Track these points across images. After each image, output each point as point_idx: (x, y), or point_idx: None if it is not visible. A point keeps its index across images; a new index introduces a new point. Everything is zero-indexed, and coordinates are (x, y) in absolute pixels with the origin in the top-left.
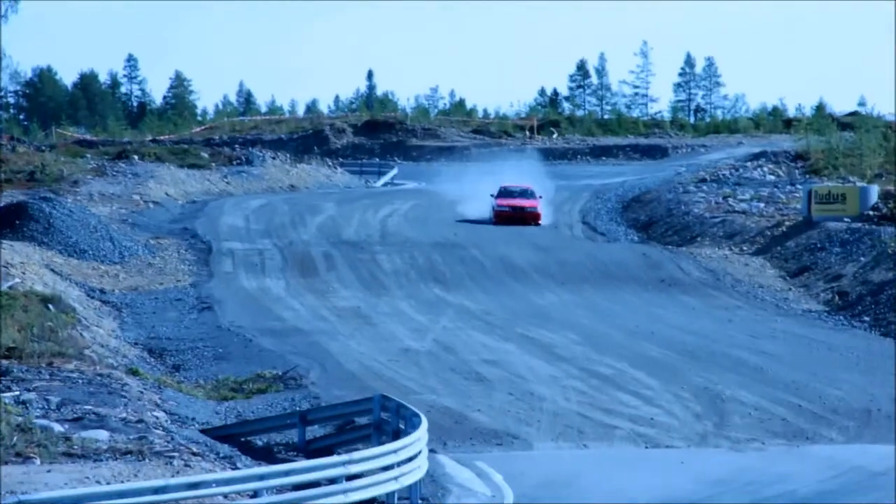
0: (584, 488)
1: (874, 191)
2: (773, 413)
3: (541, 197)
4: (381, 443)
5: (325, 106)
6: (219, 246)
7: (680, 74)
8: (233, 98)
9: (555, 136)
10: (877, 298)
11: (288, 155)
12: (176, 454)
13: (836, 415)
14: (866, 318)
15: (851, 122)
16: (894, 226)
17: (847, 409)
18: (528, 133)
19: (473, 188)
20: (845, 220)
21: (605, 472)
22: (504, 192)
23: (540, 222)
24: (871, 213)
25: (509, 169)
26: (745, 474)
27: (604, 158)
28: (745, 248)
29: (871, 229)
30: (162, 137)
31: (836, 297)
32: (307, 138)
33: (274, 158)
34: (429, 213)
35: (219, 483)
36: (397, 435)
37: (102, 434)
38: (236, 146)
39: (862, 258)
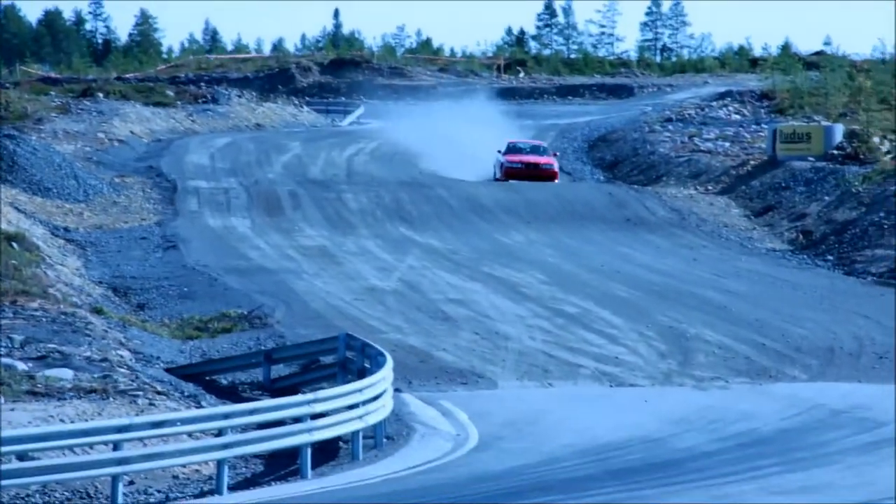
0: (549, 426)
1: (839, 130)
2: (737, 351)
3: (556, 154)
4: (347, 382)
5: (291, 44)
6: (184, 184)
7: (646, 14)
8: (198, 36)
9: (521, 75)
10: (840, 237)
11: (254, 93)
12: (140, 393)
13: (800, 353)
14: (830, 257)
15: (817, 62)
16: (858, 165)
17: (810, 348)
18: (495, 72)
19: (427, 137)
20: (810, 159)
21: (569, 410)
22: (513, 149)
23: (556, 180)
24: (835, 152)
25: (461, 110)
26: (708, 412)
27: (570, 98)
28: (710, 188)
29: (835, 168)
30: (127, 75)
31: (800, 237)
32: (273, 77)
33: (240, 97)
34: (395, 152)
35: (183, 422)
36: (362, 374)
37: (66, 373)
38: (202, 84)
39: (826, 197)
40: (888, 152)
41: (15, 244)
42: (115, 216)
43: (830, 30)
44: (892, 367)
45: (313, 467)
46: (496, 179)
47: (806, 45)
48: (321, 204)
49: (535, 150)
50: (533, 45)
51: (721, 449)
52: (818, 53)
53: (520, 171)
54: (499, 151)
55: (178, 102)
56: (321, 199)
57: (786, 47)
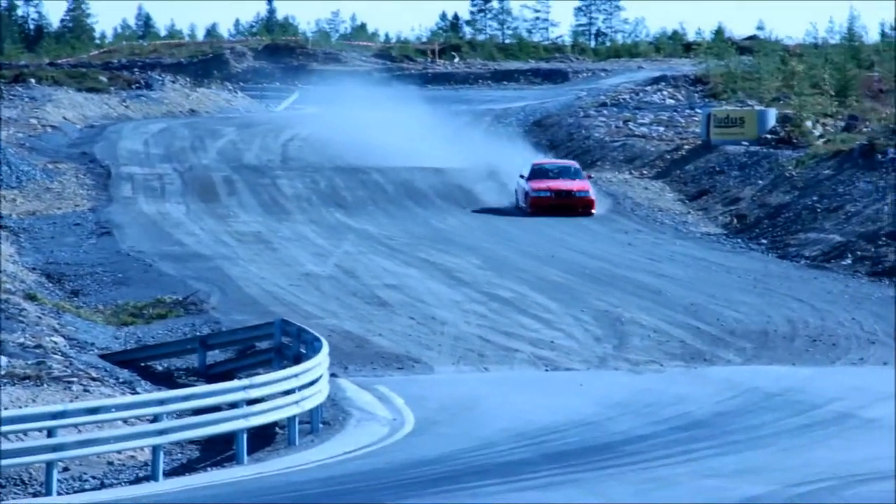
0: (485, 411)
1: (772, 114)
2: (672, 335)
3: (590, 176)
4: (282, 367)
5: (225, 30)
6: (118, 170)
7: None
8: (131, 22)
9: (456, 60)
10: (774, 221)
11: (188, 79)
12: (75, 379)
13: (734, 336)
14: (763, 241)
15: (750, 46)
16: (791, 149)
17: (744, 331)
18: (429, 57)
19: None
20: (743, 143)
21: (505, 394)
22: (538, 173)
23: (594, 211)
24: (768, 136)
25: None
26: (643, 396)
27: (505, 83)
28: (644, 172)
29: (768, 152)
30: (60, 61)
31: (735, 220)
32: (207, 62)
33: (173, 82)
34: (331, 137)
35: (118, 408)
36: (298, 359)
37: (2, 358)
38: (135, 70)
39: (760, 181)
40: (821, 136)
41: None
42: (49, 202)
43: (763, 15)
44: (825, 350)
45: (249, 453)
46: (519, 209)
47: (739, 29)
48: (256, 190)
49: (564, 172)
50: (468, 30)
51: (656, 432)
52: (751, 38)
53: (549, 200)
54: (521, 176)
55: (112, 88)
56: (256, 184)
57: (719, 32)
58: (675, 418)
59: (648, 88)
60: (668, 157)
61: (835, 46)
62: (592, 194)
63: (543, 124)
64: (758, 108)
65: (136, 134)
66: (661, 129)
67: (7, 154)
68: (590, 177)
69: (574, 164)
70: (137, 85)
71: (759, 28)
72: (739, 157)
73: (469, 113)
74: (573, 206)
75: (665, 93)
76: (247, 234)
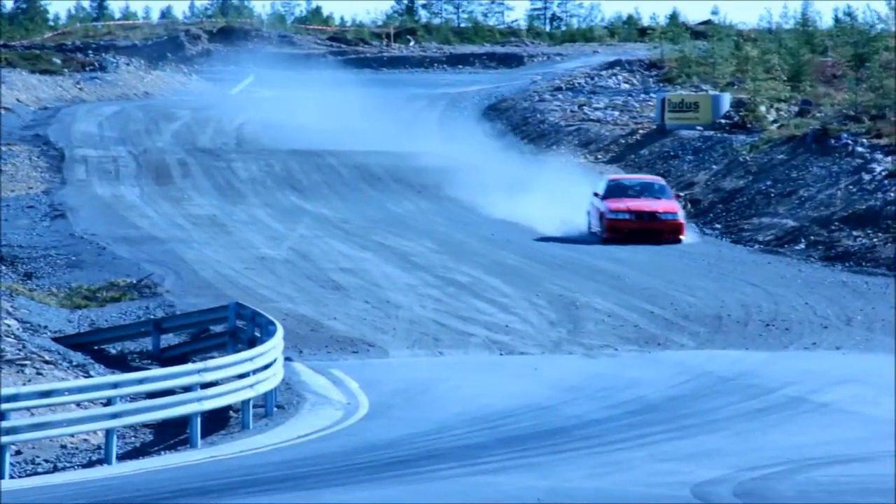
0: (440, 395)
1: (726, 99)
2: (626, 319)
3: (679, 196)
4: (237, 351)
5: (180, 12)
6: (72, 153)
7: None
8: (86, 3)
9: (411, 44)
10: (728, 206)
11: (142, 61)
12: (28, 362)
13: (688, 321)
14: (718, 226)
15: (704, 31)
16: (746, 134)
17: (698, 315)
18: (385, 41)
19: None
20: (698, 128)
21: (460, 378)
22: (616, 190)
23: (683, 237)
24: (723, 121)
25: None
26: (598, 380)
27: (460, 67)
28: (599, 157)
29: (723, 137)
30: (13, 43)
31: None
32: (162, 45)
33: (128, 65)
34: (286, 120)
35: (72, 391)
36: (253, 343)
37: None
38: (89, 52)
39: (714, 166)
40: (775, 121)
41: None
42: (2, 185)
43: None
44: (778, 334)
45: (203, 436)
46: (592, 233)
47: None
48: (211, 173)
49: (647, 189)
50: (423, 14)
51: (610, 416)
52: (706, 23)
53: (628, 224)
54: (595, 195)
55: (66, 70)
56: (211, 167)
57: (674, 17)
58: (629, 402)
59: (603, 73)
60: (623, 141)
61: (789, 31)
62: (682, 216)
63: (499, 108)
64: (712, 92)
65: (90, 116)
66: (616, 113)
67: None
68: (678, 196)
69: (658, 179)
70: (92, 67)
71: (714, 13)
72: (694, 142)
73: (425, 97)
74: (658, 230)
75: (620, 77)
76: (201, 218)
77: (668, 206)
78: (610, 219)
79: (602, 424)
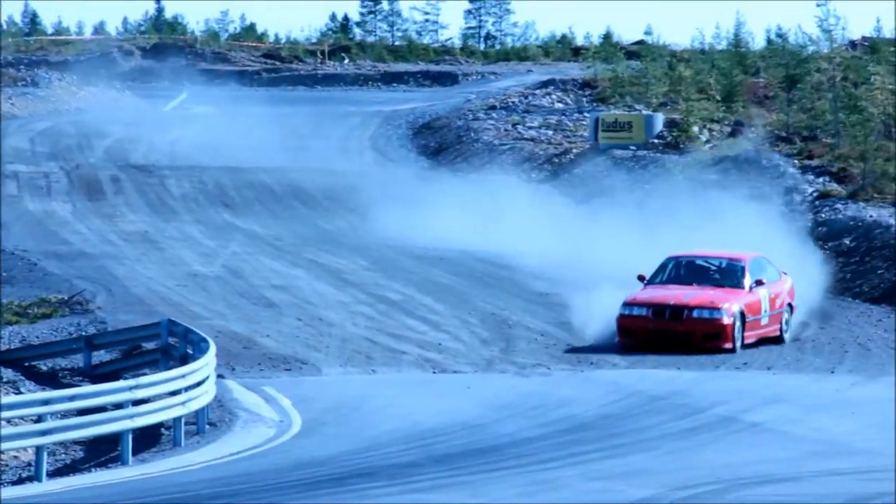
0: (372, 412)
1: (659, 119)
2: (558, 338)
3: (758, 284)
4: (169, 368)
5: (113, 28)
6: (3, 168)
7: (470, 1)
8: (17, 18)
9: (346, 61)
10: None
11: (75, 77)
12: None
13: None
14: None
15: (638, 51)
16: (678, 153)
17: None
18: (319, 58)
19: None
20: (631, 147)
21: (392, 396)
22: (672, 271)
23: (728, 345)
24: (656, 140)
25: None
26: (530, 399)
27: (394, 85)
28: (533, 176)
29: (656, 157)
30: None
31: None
32: (95, 60)
33: (60, 80)
34: (219, 137)
35: (1, 407)
36: (185, 360)
37: None
38: (21, 67)
39: (647, 185)
40: (707, 141)
41: None
42: None
43: (651, 20)
44: (712, 356)
45: (134, 453)
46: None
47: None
48: (143, 189)
49: (718, 272)
50: (357, 31)
51: (543, 434)
52: (639, 43)
53: (645, 324)
54: (640, 279)
55: None
56: (143, 184)
57: (608, 37)
58: (562, 421)
59: (538, 92)
60: (557, 160)
61: (721, 52)
62: (730, 315)
63: (432, 126)
64: (645, 112)
65: (21, 132)
66: (550, 132)
67: None
68: (757, 284)
69: (742, 257)
70: (23, 82)
71: (647, 33)
72: (627, 162)
73: (358, 114)
74: (685, 334)
75: (554, 96)
76: (133, 234)
77: (717, 299)
78: (621, 316)
79: (534, 443)
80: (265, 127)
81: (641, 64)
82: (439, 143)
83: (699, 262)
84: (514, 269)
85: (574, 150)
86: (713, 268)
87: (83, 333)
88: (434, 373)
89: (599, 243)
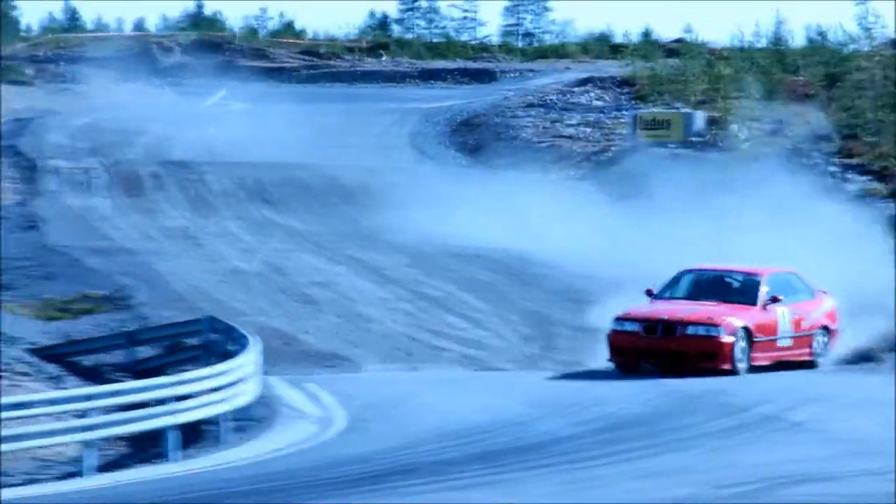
0: (413, 410)
1: (699, 116)
2: (598, 337)
3: (773, 301)
4: (211, 364)
5: (152, 25)
6: (44, 164)
7: None
8: (58, 15)
9: (384, 58)
10: None
11: (115, 73)
12: (2, 374)
13: None
14: None
15: (677, 49)
16: (717, 152)
17: None
18: (357, 55)
19: None
20: (670, 145)
21: (433, 393)
22: (683, 285)
23: (727, 365)
24: (695, 138)
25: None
26: (571, 397)
27: (432, 82)
28: (572, 174)
29: (695, 154)
30: None
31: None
32: (134, 57)
33: (100, 77)
34: (257, 133)
35: (46, 403)
36: (227, 356)
37: None
38: (61, 63)
39: (685, 183)
40: (746, 139)
41: None
42: None
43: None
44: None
45: (177, 450)
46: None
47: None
48: (183, 185)
49: (732, 287)
50: (396, 28)
51: (583, 433)
52: (678, 41)
53: (636, 341)
54: (648, 293)
55: (37, 81)
56: (183, 180)
57: (646, 34)
58: (602, 419)
59: (576, 89)
60: (595, 158)
61: (761, 51)
62: (730, 333)
63: (470, 124)
64: (684, 110)
65: (62, 128)
66: (589, 130)
67: None
68: (771, 301)
69: (763, 272)
70: (63, 79)
71: (687, 31)
72: (666, 159)
73: (396, 111)
74: (679, 354)
75: (592, 94)
76: (173, 230)
77: (717, 314)
78: (612, 332)
79: (574, 441)
80: (303, 123)
81: (680, 62)
82: (477, 141)
83: (713, 275)
84: (553, 266)
85: (613, 148)
86: (728, 282)
87: (125, 329)
88: (475, 370)
89: (638, 242)
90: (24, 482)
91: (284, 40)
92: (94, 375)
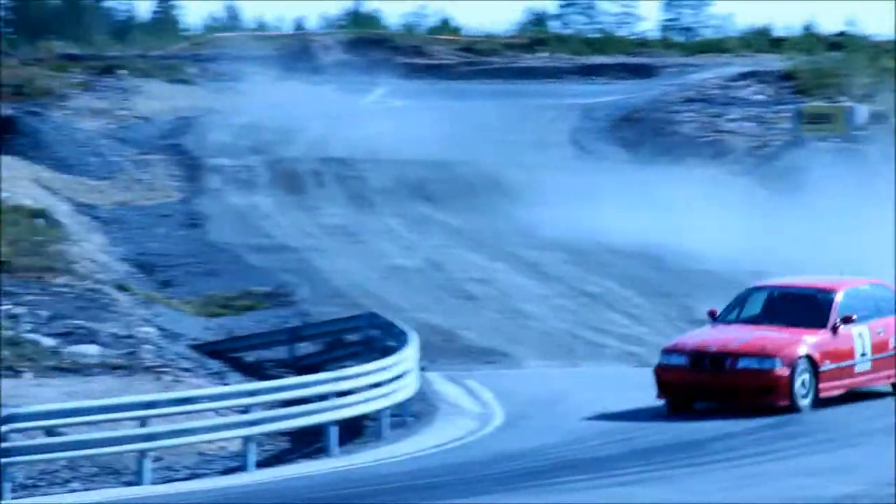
0: (574, 405)
1: (862, 110)
2: None
3: (846, 322)
4: (372, 360)
5: (312, 22)
6: (207, 162)
7: None
8: (219, 14)
9: (542, 54)
10: None
11: (275, 72)
12: (166, 369)
13: None
14: None
15: (839, 42)
16: (882, 145)
17: None
18: (516, 51)
19: None
20: (834, 139)
21: (594, 389)
22: (752, 306)
23: (788, 403)
24: (857, 132)
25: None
26: None
27: (592, 77)
28: (733, 169)
29: (859, 148)
30: (149, 52)
31: None
32: (294, 55)
33: (261, 75)
34: (418, 131)
35: (209, 398)
36: (387, 352)
37: (92, 349)
38: (223, 62)
39: (850, 178)
40: None
41: (40, 221)
42: (139, 193)
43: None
44: None
45: (338, 445)
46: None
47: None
48: (343, 182)
49: (803, 311)
50: (554, 24)
51: (746, 429)
52: (840, 34)
53: (682, 376)
54: (710, 314)
55: (200, 80)
56: (343, 177)
57: (808, 28)
58: (765, 416)
59: (737, 84)
60: (757, 153)
61: None
62: (788, 364)
63: (630, 119)
64: (847, 104)
65: (224, 126)
66: (749, 124)
67: (98, 145)
68: (845, 321)
69: (839, 287)
70: (225, 77)
71: (849, 24)
72: (829, 154)
73: (556, 107)
74: (730, 389)
75: (753, 88)
76: (334, 227)
77: (773, 343)
78: (658, 366)
79: (737, 438)
80: (462, 120)
81: (843, 55)
82: (637, 137)
83: (783, 293)
84: (713, 263)
85: (775, 143)
86: (798, 301)
87: (287, 325)
88: (636, 366)
89: (800, 238)
90: (188, 476)
91: (442, 37)
92: (255, 371)
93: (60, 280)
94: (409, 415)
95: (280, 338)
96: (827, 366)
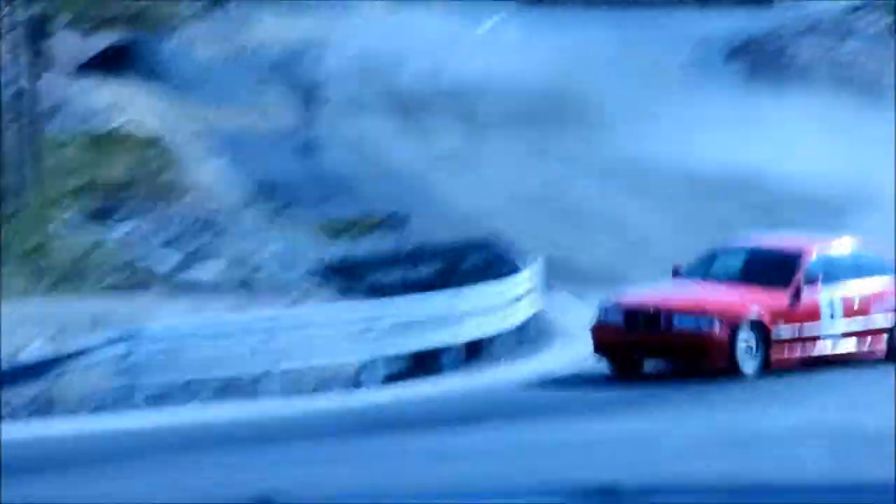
0: None
1: None
2: None
3: (810, 283)
4: (490, 282)
5: None
6: (320, 89)
7: None
8: None
9: None
10: None
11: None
12: (287, 290)
13: None
14: None
15: None
16: None
17: None
18: None
19: None
20: None
21: None
22: (722, 265)
23: (726, 364)
24: None
25: None
26: None
27: (708, 7)
28: (851, 101)
29: None
30: None
31: None
32: None
33: (373, 5)
34: (531, 60)
35: (330, 318)
36: (505, 275)
37: (213, 270)
38: None
39: None
40: None
41: (158, 145)
42: (255, 119)
43: None
44: None
45: (457, 365)
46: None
47: None
48: (458, 110)
49: (771, 271)
50: None
51: None
52: None
53: (616, 336)
54: (674, 271)
55: (310, 10)
56: (458, 105)
57: None
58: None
59: (856, 14)
60: (876, 84)
61: None
62: (727, 325)
63: (747, 50)
64: None
65: (336, 55)
66: (868, 56)
67: (216, 71)
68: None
69: (810, 247)
70: (336, 7)
71: None
72: None
73: (671, 38)
74: (667, 350)
75: (872, 18)
76: (449, 155)
77: (714, 301)
78: (595, 324)
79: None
80: (576, 50)
81: None
82: (753, 67)
83: (753, 252)
84: (830, 193)
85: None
86: (766, 261)
87: (406, 249)
88: None
89: None
90: (310, 392)
91: None
92: (375, 293)
93: (182, 203)
94: (527, 338)
95: (400, 260)
96: (785, 331)
